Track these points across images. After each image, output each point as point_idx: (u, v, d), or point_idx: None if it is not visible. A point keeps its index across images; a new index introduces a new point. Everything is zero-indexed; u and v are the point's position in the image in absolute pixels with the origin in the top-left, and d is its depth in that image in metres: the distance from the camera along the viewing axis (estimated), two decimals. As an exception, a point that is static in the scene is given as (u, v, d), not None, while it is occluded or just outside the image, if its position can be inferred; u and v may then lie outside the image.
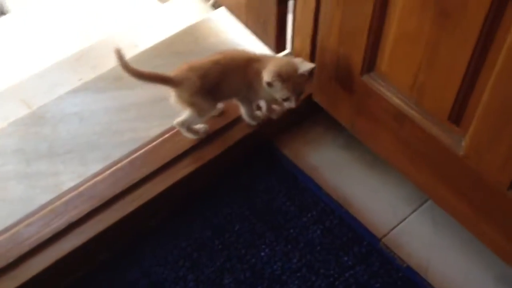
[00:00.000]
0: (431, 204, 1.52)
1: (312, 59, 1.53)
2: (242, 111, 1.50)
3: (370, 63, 1.37)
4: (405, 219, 1.50)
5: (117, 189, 1.44)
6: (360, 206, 1.51)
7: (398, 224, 1.49)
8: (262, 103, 1.53)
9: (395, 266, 1.41)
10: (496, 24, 1.05)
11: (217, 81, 1.39)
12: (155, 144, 1.52)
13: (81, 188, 1.44)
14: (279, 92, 1.35)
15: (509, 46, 1.03)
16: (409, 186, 1.54)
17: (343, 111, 1.52)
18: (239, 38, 1.83)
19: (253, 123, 1.52)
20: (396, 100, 1.35)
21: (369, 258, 1.42)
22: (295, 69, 1.34)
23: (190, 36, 1.89)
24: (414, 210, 1.52)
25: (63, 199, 1.42)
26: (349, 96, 1.47)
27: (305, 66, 1.35)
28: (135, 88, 1.73)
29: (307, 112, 1.66)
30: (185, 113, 1.44)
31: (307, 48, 1.54)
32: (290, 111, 1.47)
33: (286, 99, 1.36)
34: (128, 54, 1.40)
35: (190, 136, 1.50)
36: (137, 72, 1.34)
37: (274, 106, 1.53)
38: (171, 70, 1.41)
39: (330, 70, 1.47)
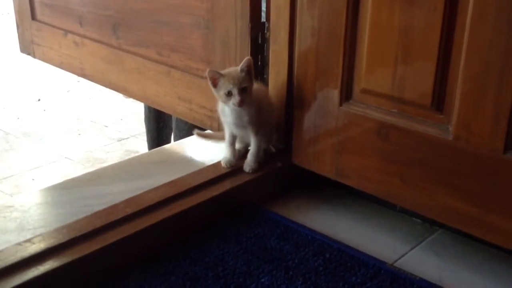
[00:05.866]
0: (431, 240, 1.47)
1: (288, 102, 1.60)
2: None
3: (347, 90, 1.46)
4: (406, 253, 1.42)
5: (98, 224, 1.32)
6: (358, 245, 1.43)
7: (400, 258, 1.41)
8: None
9: (407, 280, 1.29)
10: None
11: None
12: (138, 194, 1.46)
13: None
14: (222, 88, 1.44)
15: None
16: (405, 228, 1.52)
17: (325, 157, 1.55)
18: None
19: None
20: (378, 114, 1.42)
21: (379, 277, 1.30)
22: (234, 69, 1.47)
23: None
24: (413, 247, 1.45)
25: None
26: (329, 136, 1.52)
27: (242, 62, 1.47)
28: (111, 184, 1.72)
29: (289, 179, 1.66)
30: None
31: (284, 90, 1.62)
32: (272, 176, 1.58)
33: (229, 94, 1.44)
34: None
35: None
36: None
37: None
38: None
39: (308, 111, 1.54)
